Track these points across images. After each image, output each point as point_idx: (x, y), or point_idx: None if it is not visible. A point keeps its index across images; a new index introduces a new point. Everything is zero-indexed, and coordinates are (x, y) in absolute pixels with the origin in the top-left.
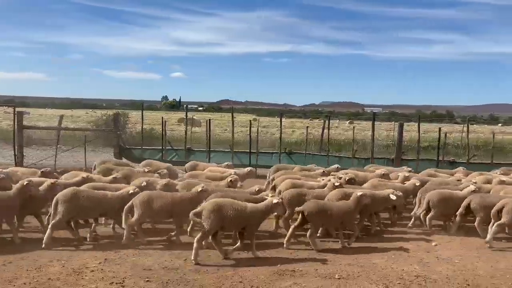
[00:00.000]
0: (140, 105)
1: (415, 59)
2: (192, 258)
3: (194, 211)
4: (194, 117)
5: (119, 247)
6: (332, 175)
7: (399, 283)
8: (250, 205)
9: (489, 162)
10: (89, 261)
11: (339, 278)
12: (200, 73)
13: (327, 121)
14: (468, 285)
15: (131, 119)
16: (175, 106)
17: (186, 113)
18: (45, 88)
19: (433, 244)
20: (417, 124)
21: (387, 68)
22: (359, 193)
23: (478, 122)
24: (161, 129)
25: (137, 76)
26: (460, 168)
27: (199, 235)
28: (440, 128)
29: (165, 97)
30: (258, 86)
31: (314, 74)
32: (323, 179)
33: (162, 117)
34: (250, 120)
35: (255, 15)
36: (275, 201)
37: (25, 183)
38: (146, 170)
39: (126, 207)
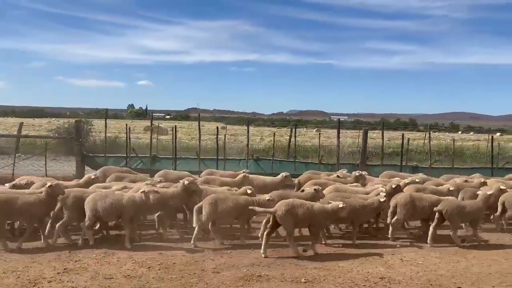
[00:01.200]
0: (104, 113)
1: (378, 68)
2: (262, 251)
3: (265, 210)
4: (160, 125)
5: (78, 257)
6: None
7: (364, 285)
8: (317, 205)
9: (450, 167)
10: (47, 272)
11: (305, 282)
12: (167, 81)
13: (294, 129)
14: (431, 285)
15: (95, 127)
16: (142, 114)
17: (151, 120)
18: (5, 96)
19: (397, 246)
20: (381, 131)
21: (351, 78)
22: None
23: (439, 129)
24: (125, 137)
25: (102, 84)
26: (420, 174)
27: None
28: (403, 135)
29: (131, 106)
30: (226, 94)
31: (282, 83)
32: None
33: (127, 124)
34: (217, 127)
35: (220, 24)
36: (341, 205)
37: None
38: (159, 179)
39: (196, 207)
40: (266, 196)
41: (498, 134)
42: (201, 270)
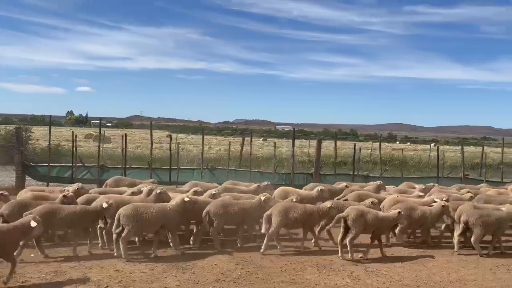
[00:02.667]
0: (42, 120)
1: (321, 80)
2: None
3: (339, 215)
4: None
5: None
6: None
7: None
8: (381, 213)
9: (400, 176)
10: None
11: None
12: (109, 88)
13: (245, 138)
14: None
15: (33, 135)
16: (82, 121)
17: (100, 129)
18: None
19: (360, 256)
20: (326, 142)
21: (296, 88)
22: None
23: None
24: (68, 146)
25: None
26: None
27: (350, 237)
28: (355, 145)
29: (70, 112)
30: (171, 102)
31: (228, 92)
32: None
33: (73, 132)
34: (170, 135)
35: (167, 31)
36: (399, 212)
37: None
38: (194, 189)
39: (265, 216)
40: (328, 204)
41: (432, 144)
42: (164, 287)
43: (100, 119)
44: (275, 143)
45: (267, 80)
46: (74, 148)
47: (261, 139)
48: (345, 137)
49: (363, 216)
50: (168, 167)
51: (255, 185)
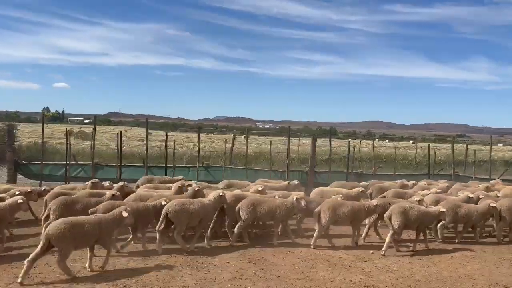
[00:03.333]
0: (17, 117)
1: (301, 78)
2: (383, 250)
3: (386, 214)
4: (84, 130)
5: None
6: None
7: None
8: (423, 209)
9: (392, 173)
10: None
11: None
12: (86, 84)
13: (235, 136)
14: None
15: (23, 132)
16: (58, 118)
17: (94, 126)
18: None
19: (371, 252)
20: (305, 139)
21: (275, 86)
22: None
23: (357, 137)
24: (49, 143)
25: (13, 85)
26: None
27: (390, 233)
28: (349, 142)
29: (47, 109)
30: (150, 99)
31: (208, 89)
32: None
33: (66, 129)
34: (166, 133)
35: (144, 27)
36: (442, 209)
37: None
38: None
39: (315, 212)
40: (374, 202)
41: (411, 142)
42: (182, 286)
43: (95, 116)
44: (270, 141)
45: (247, 77)
46: (68, 146)
47: (243, 136)
48: (325, 135)
49: (405, 213)
50: (164, 165)
51: (285, 182)
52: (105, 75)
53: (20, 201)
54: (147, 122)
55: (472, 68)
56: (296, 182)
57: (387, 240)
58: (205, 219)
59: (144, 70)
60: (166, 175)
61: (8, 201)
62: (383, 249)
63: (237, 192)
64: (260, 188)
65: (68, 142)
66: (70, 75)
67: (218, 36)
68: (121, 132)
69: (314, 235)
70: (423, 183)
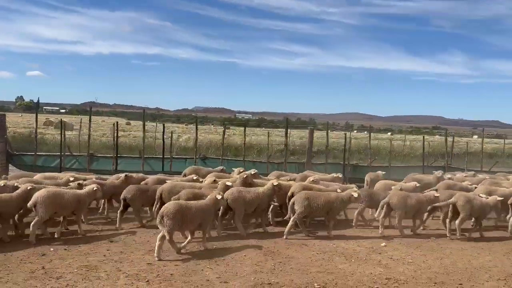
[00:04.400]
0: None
1: (280, 69)
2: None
3: (447, 201)
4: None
5: None
6: None
7: (378, 287)
8: (484, 200)
9: (387, 165)
10: None
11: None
12: (61, 73)
13: (226, 127)
14: (435, 283)
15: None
16: (33, 107)
17: (90, 117)
18: None
19: (382, 244)
20: (284, 130)
21: (255, 77)
22: None
23: (336, 129)
24: (60, 134)
25: None
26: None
27: (458, 221)
28: (345, 134)
29: (21, 98)
30: (127, 88)
31: (186, 79)
32: None
33: (61, 119)
34: (163, 124)
35: (122, 15)
36: (499, 198)
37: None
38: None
39: (382, 202)
40: (435, 193)
41: (389, 133)
42: (206, 280)
43: (91, 106)
44: (268, 132)
45: (226, 68)
46: (63, 137)
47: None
48: (305, 126)
49: (470, 202)
50: (161, 156)
51: (332, 175)
52: (81, 64)
53: (95, 188)
54: (144, 114)
55: (448, 61)
56: (340, 174)
57: (458, 226)
58: (259, 207)
59: (121, 59)
60: (163, 166)
61: (86, 188)
62: (457, 234)
63: (302, 183)
64: (313, 179)
65: (62, 133)
66: (45, 63)
67: (198, 26)
68: (117, 123)
69: (379, 225)
70: (458, 175)
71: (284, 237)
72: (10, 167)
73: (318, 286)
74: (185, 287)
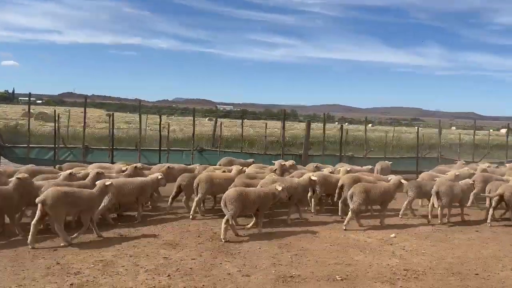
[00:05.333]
0: None
1: (261, 60)
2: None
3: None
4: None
5: None
6: None
7: (399, 278)
8: None
9: (383, 156)
10: None
11: (341, 280)
12: (37, 62)
13: (217, 119)
14: (452, 274)
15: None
16: (8, 98)
17: (85, 108)
18: None
19: (392, 235)
20: (275, 121)
21: (236, 68)
22: None
23: (318, 120)
24: (54, 125)
25: None
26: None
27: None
28: (341, 126)
29: None
30: (106, 79)
31: (166, 70)
32: None
33: (55, 111)
34: (160, 115)
35: (99, 4)
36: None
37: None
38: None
39: (433, 191)
40: (470, 181)
41: (370, 125)
42: (227, 274)
43: (86, 98)
44: (266, 124)
45: (207, 59)
46: (57, 129)
47: (206, 119)
48: (286, 118)
49: None
50: (157, 148)
51: (368, 167)
52: (57, 54)
53: (160, 177)
54: (140, 106)
55: (425, 53)
56: (371, 167)
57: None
58: (293, 197)
59: (99, 49)
60: (160, 158)
61: (151, 177)
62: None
63: (351, 174)
64: (348, 169)
65: (56, 125)
66: (20, 52)
67: (178, 16)
68: (113, 114)
69: (440, 213)
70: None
71: (344, 228)
72: (2, 159)
73: (340, 279)
74: (207, 281)
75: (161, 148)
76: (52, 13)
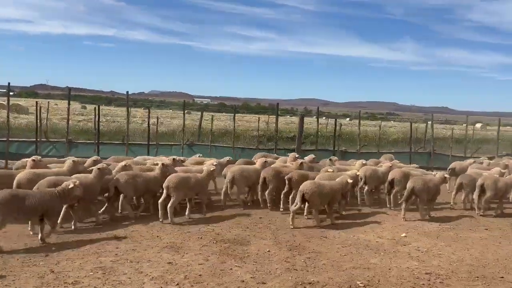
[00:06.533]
0: None
1: (239, 54)
2: None
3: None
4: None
5: None
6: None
7: (423, 284)
8: None
9: (376, 151)
10: None
11: (364, 286)
12: (8, 53)
13: (203, 113)
14: (477, 277)
15: None
16: None
17: (69, 101)
18: None
19: (403, 235)
20: (249, 116)
21: (213, 61)
22: None
23: (295, 114)
24: (36, 118)
25: None
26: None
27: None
28: (335, 120)
29: None
30: (80, 71)
31: (142, 62)
32: None
33: (37, 102)
34: (149, 107)
35: None
36: None
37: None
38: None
39: (457, 186)
40: None
41: (347, 119)
42: (240, 281)
43: (70, 89)
44: (258, 118)
45: (184, 51)
46: (39, 122)
47: (186, 112)
48: (264, 111)
49: None
50: (145, 143)
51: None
52: (29, 44)
53: (212, 168)
54: (128, 99)
55: (401, 48)
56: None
57: None
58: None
59: (73, 40)
60: (148, 153)
61: (204, 170)
62: None
63: (401, 168)
64: (390, 165)
65: (38, 118)
66: None
67: (154, 7)
68: (99, 106)
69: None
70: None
71: (403, 218)
72: None
73: (362, 285)
74: None
75: (150, 143)
76: (24, 2)
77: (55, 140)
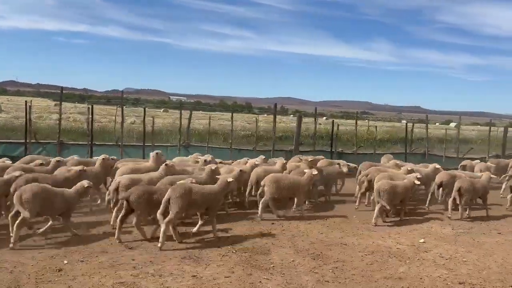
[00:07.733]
0: None
1: (215, 52)
2: None
3: None
4: None
5: None
6: None
7: None
8: None
9: (372, 152)
10: None
11: None
12: None
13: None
14: (511, 286)
15: None
16: None
17: (61, 101)
18: None
19: (421, 241)
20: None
21: (189, 59)
22: None
23: (272, 113)
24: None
25: None
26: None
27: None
28: (333, 121)
29: None
30: (51, 67)
31: (116, 59)
32: None
33: (26, 102)
34: (145, 108)
35: None
36: None
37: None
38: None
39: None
40: None
41: (324, 118)
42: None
43: (62, 88)
44: (256, 118)
45: (159, 48)
46: (28, 122)
47: (162, 110)
48: (241, 110)
49: None
50: (140, 144)
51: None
52: None
53: (315, 173)
54: (122, 98)
55: (375, 49)
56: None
57: None
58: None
59: (43, 36)
60: (144, 154)
61: (306, 173)
62: None
63: (448, 171)
64: (409, 169)
65: (28, 118)
66: None
67: (128, 3)
68: (92, 106)
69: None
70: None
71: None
72: None
73: None
74: None
75: (145, 144)
76: None
77: (45, 141)
